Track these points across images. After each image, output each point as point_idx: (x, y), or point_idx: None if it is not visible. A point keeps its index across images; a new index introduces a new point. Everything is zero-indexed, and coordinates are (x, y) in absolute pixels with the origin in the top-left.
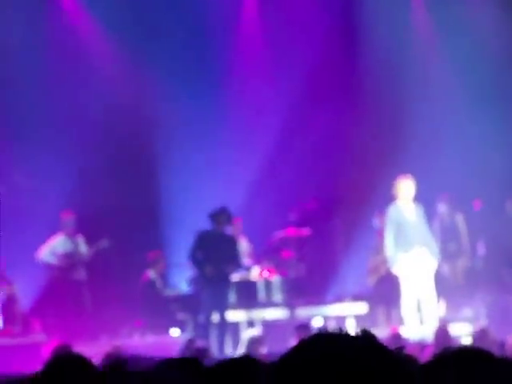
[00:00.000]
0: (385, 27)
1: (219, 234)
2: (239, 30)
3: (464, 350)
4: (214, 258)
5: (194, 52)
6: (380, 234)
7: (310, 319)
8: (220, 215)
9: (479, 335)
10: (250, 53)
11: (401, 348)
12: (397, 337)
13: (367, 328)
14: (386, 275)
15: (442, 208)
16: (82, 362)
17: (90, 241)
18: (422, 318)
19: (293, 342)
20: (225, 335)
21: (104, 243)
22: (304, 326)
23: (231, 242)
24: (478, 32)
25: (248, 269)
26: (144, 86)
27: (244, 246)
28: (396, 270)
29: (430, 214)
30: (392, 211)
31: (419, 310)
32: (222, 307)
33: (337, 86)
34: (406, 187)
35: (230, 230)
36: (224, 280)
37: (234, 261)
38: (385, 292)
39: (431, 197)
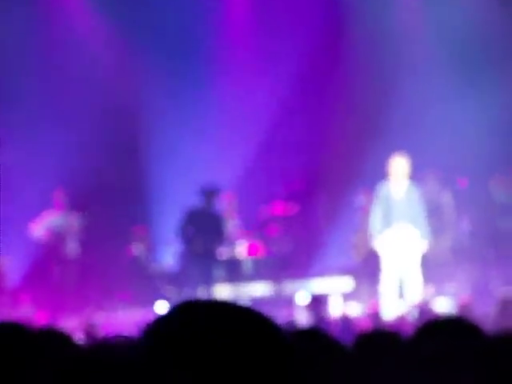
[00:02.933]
0: (370, 5)
1: (208, 212)
2: (230, 11)
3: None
4: (203, 234)
5: (183, 29)
6: (364, 210)
7: (295, 294)
8: (212, 193)
9: (462, 310)
10: (241, 33)
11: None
12: (374, 314)
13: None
14: (370, 251)
15: (430, 184)
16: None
17: (81, 215)
18: (402, 294)
19: (280, 316)
20: None
21: (85, 218)
22: (316, 299)
23: (219, 220)
24: (466, 7)
25: (234, 245)
26: (132, 63)
27: (236, 222)
28: (377, 245)
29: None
30: (381, 188)
31: (401, 286)
32: (209, 283)
33: (323, 64)
34: (397, 165)
35: (223, 205)
36: (212, 256)
37: (221, 238)
38: (370, 268)
39: (416, 174)
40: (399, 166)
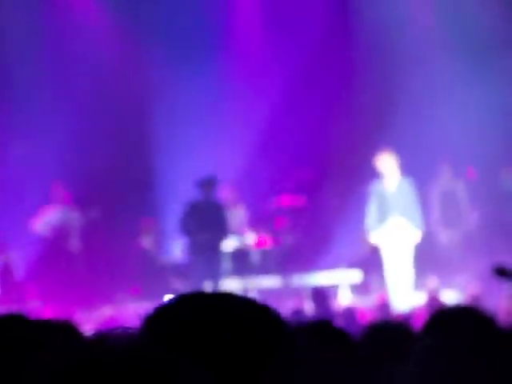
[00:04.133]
0: (380, 8)
1: (208, 202)
2: (236, 8)
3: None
4: (205, 226)
5: (189, 21)
6: None
7: (303, 286)
8: (208, 183)
9: (471, 301)
10: (249, 25)
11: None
12: (384, 306)
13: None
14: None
15: (444, 176)
16: (71, 328)
17: (83, 209)
18: (398, 286)
19: (288, 308)
20: None
21: (95, 213)
22: (319, 292)
23: (220, 210)
24: (475, 10)
25: (241, 237)
26: (138, 53)
27: (241, 213)
28: (373, 241)
29: (425, 180)
30: (374, 185)
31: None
32: (215, 275)
33: (331, 57)
34: (385, 163)
35: (226, 197)
36: (216, 248)
37: (223, 228)
38: (379, 260)
39: (428, 164)
40: (388, 162)
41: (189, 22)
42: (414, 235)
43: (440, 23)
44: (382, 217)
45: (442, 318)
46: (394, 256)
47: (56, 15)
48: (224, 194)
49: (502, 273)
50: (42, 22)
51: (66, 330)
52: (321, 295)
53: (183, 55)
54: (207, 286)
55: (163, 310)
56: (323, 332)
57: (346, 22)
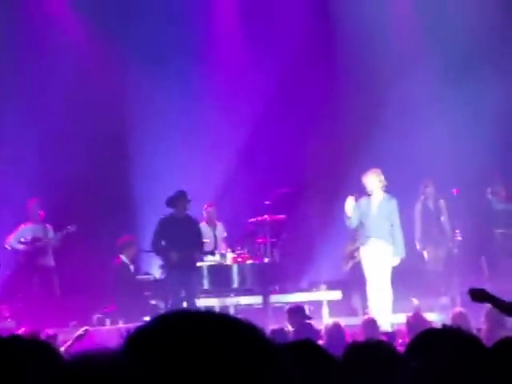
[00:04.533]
0: (362, 8)
1: (180, 219)
2: (218, 12)
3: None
4: (178, 243)
5: (172, 31)
6: None
7: (283, 304)
8: (177, 199)
9: (454, 321)
10: (228, 35)
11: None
12: (371, 324)
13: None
14: (359, 262)
15: (427, 191)
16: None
17: (60, 226)
18: (377, 307)
19: (270, 326)
20: None
21: (71, 228)
22: (296, 308)
23: (192, 225)
24: (458, 11)
25: (213, 252)
26: (117, 67)
27: (220, 231)
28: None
29: (410, 199)
30: (358, 203)
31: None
32: (190, 293)
33: (313, 73)
34: (369, 180)
35: (206, 214)
36: (190, 264)
37: (196, 244)
38: (360, 279)
39: (411, 182)
40: (371, 181)
41: (171, 32)
42: (392, 259)
43: (424, 34)
44: (362, 237)
45: (426, 338)
46: (373, 276)
47: (33, 20)
48: (204, 210)
49: (477, 296)
50: (18, 29)
51: (43, 350)
52: (298, 312)
53: (163, 67)
54: (183, 304)
55: (145, 330)
56: (306, 352)
57: (328, 35)
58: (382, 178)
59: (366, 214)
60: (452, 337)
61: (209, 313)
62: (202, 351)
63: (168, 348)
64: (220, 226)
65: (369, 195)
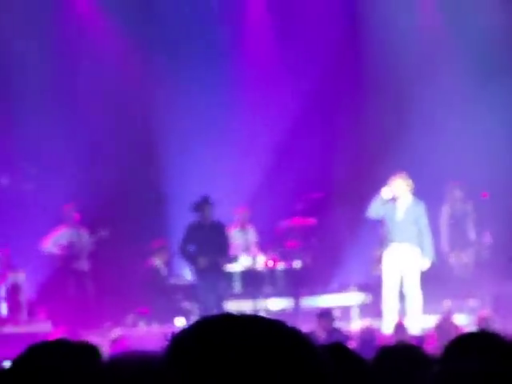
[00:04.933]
0: (390, 15)
1: (207, 224)
2: (245, 16)
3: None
4: (204, 248)
5: (200, 38)
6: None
7: (314, 308)
8: (203, 204)
9: (481, 325)
10: (257, 41)
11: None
12: (400, 328)
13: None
14: None
15: (456, 194)
16: (90, 349)
17: (94, 230)
18: (405, 311)
19: (308, 329)
20: None
21: (104, 233)
22: (326, 313)
23: (218, 229)
24: (483, 13)
25: (236, 258)
26: (148, 72)
27: (251, 235)
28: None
29: (438, 204)
30: (386, 207)
31: (404, 303)
32: (218, 297)
33: (344, 77)
34: (396, 185)
35: (238, 218)
36: (217, 269)
37: (223, 248)
38: None
39: (440, 185)
40: (399, 186)
41: (200, 39)
42: (421, 262)
43: (450, 37)
44: (388, 240)
45: (461, 342)
46: (393, 281)
47: (63, 30)
48: (235, 214)
49: None
50: (50, 37)
51: (88, 353)
52: (327, 317)
53: (193, 72)
54: (212, 308)
55: (188, 334)
56: (338, 355)
57: (356, 42)
58: (410, 181)
59: (391, 218)
60: (487, 341)
61: (251, 316)
62: (246, 355)
63: (210, 352)
64: (252, 231)
65: (394, 199)
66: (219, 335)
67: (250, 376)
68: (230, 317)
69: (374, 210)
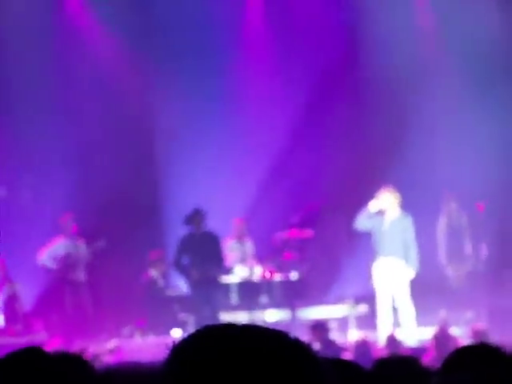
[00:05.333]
0: (387, 25)
1: (198, 236)
2: (244, 27)
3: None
4: (197, 260)
5: (199, 46)
6: None
7: (313, 320)
8: (194, 216)
9: (476, 337)
10: (256, 51)
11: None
12: (392, 340)
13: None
14: None
15: (451, 207)
16: (80, 362)
17: (90, 241)
18: (398, 323)
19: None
20: None
21: (101, 244)
22: (320, 325)
23: (212, 241)
24: (481, 26)
25: (230, 269)
26: (147, 82)
27: (249, 247)
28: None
29: (434, 216)
30: (374, 220)
31: (396, 315)
32: (213, 308)
33: (340, 88)
34: (384, 198)
35: (235, 229)
36: (211, 281)
37: (217, 259)
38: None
39: (436, 197)
40: (387, 199)
41: (199, 45)
42: (406, 273)
43: (446, 49)
44: (377, 253)
45: (461, 355)
46: (384, 293)
47: (63, 39)
48: (233, 225)
49: None
50: (49, 45)
51: (78, 364)
52: (321, 329)
53: (191, 78)
54: (208, 319)
55: (189, 343)
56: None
57: (352, 53)
58: (397, 194)
59: (378, 231)
60: (488, 354)
61: (252, 326)
62: (247, 364)
63: (210, 361)
64: (249, 243)
65: (382, 213)
66: (220, 345)
67: None
68: (230, 326)
69: (361, 222)
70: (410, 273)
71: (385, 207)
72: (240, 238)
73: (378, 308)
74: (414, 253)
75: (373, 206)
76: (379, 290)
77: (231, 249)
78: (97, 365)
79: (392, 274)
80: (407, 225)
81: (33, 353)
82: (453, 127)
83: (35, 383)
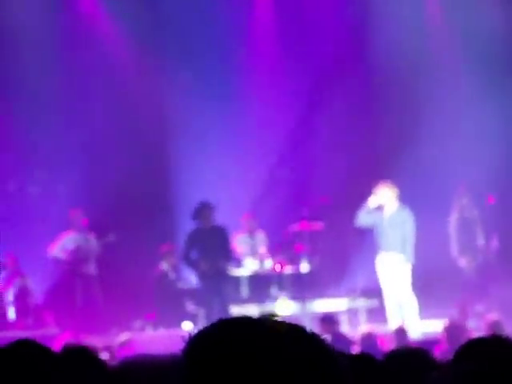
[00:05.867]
0: (396, 21)
1: (206, 229)
2: (252, 24)
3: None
4: (206, 253)
5: (207, 45)
6: None
7: (322, 313)
8: (201, 210)
9: (490, 329)
10: (263, 47)
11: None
12: (401, 332)
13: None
14: None
15: (463, 199)
16: (89, 355)
17: (101, 234)
18: (404, 317)
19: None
20: None
21: (111, 237)
22: (329, 317)
23: (220, 234)
24: (488, 16)
25: (239, 261)
26: (156, 79)
27: (260, 240)
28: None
29: (445, 208)
30: (374, 215)
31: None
32: (223, 302)
33: (349, 82)
34: (382, 193)
35: (245, 223)
36: (220, 274)
37: (225, 252)
38: None
39: (446, 192)
40: (385, 194)
41: (208, 39)
42: (405, 267)
43: (455, 42)
44: (379, 248)
45: (472, 347)
46: (388, 287)
47: (72, 36)
48: (243, 220)
49: None
50: (58, 39)
51: (85, 357)
52: (329, 321)
53: (202, 74)
54: (218, 312)
55: (207, 335)
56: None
57: (360, 48)
58: (395, 189)
59: (379, 226)
60: (500, 345)
61: (270, 319)
62: (264, 357)
63: (228, 354)
64: (261, 236)
65: (381, 208)
66: (238, 337)
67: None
68: (247, 320)
69: (362, 218)
70: (407, 266)
71: (383, 202)
72: (251, 232)
73: (386, 302)
74: (409, 246)
75: (372, 201)
76: (384, 285)
77: (241, 242)
78: (109, 358)
79: (393, 270)
80: (405, 217)
81: (25, 346)
82: (463, 121)
83: (25, 377)
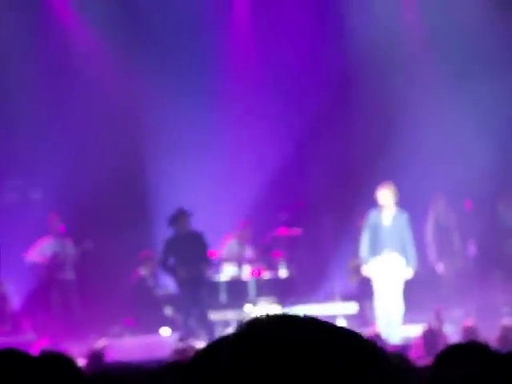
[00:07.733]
0: (375, 26)
1: (183, 235)
2: (230, 28)
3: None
4: (184, 259)
5: (186, 50)
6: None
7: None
8: (178, 217)
9: (466, 334)
10: (241, 45)
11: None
12: (376, 337)
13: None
14: (364, 276)
15: (439, 207)
16: (67, 362)
17: (78, 241)
18: (389, 321)
19: None
20: (212, 334)
21: (88, 244)
22: None
23: (196, 240)
24: (465, 18)
25: (218, 268)
26: (134, 81)
27: (246, 251)
28: (366, 271)
29: (422, 214)
30: (371, 216)
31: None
32: (201, 307)
33: (327, 87)
34: (383, 195)
35: (245, 230)
36: (197, 279)
37: (202, 258)
38: (370, 291)
39: (423, 197)
40: (385, 195)
41: (188, 45)
42: (405, 272)
43: (432, 42)
44: (376, 249)
45: (451, 353)
46: (385, 289)
47: (52, 40)
48: (239, 226)
49: None
50: (38, 45)
51: (62, 364)
52: None
53: (182, 78)
54: (196, 318)
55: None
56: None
57: (339, 51)
58: (395, 191)
59: (378, 227)
60: (476, 351)
61: (308, 318)
62: (304, 357)
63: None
64: (249, 249)
65: (379, 208)
66: (274, 336)
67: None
68: (286, 317)
69: (365, 233)
70: (409, 272)
71: (383, 204)
72: (240, 240)
73: (376, 305)
74: (412, 252)
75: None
76: (377, 288)
77: (228, 247)
78: (86, 365)
79: (391, 272)
80: (404, 222)
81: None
82: (442, 124)
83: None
